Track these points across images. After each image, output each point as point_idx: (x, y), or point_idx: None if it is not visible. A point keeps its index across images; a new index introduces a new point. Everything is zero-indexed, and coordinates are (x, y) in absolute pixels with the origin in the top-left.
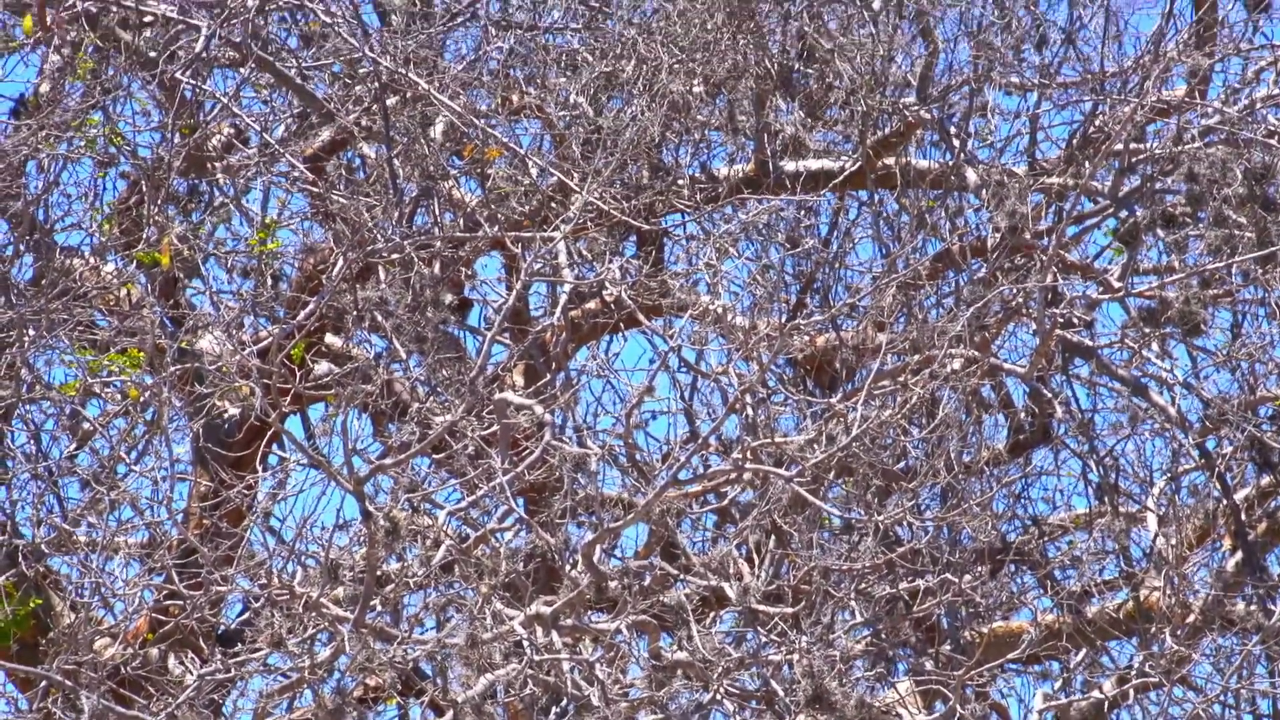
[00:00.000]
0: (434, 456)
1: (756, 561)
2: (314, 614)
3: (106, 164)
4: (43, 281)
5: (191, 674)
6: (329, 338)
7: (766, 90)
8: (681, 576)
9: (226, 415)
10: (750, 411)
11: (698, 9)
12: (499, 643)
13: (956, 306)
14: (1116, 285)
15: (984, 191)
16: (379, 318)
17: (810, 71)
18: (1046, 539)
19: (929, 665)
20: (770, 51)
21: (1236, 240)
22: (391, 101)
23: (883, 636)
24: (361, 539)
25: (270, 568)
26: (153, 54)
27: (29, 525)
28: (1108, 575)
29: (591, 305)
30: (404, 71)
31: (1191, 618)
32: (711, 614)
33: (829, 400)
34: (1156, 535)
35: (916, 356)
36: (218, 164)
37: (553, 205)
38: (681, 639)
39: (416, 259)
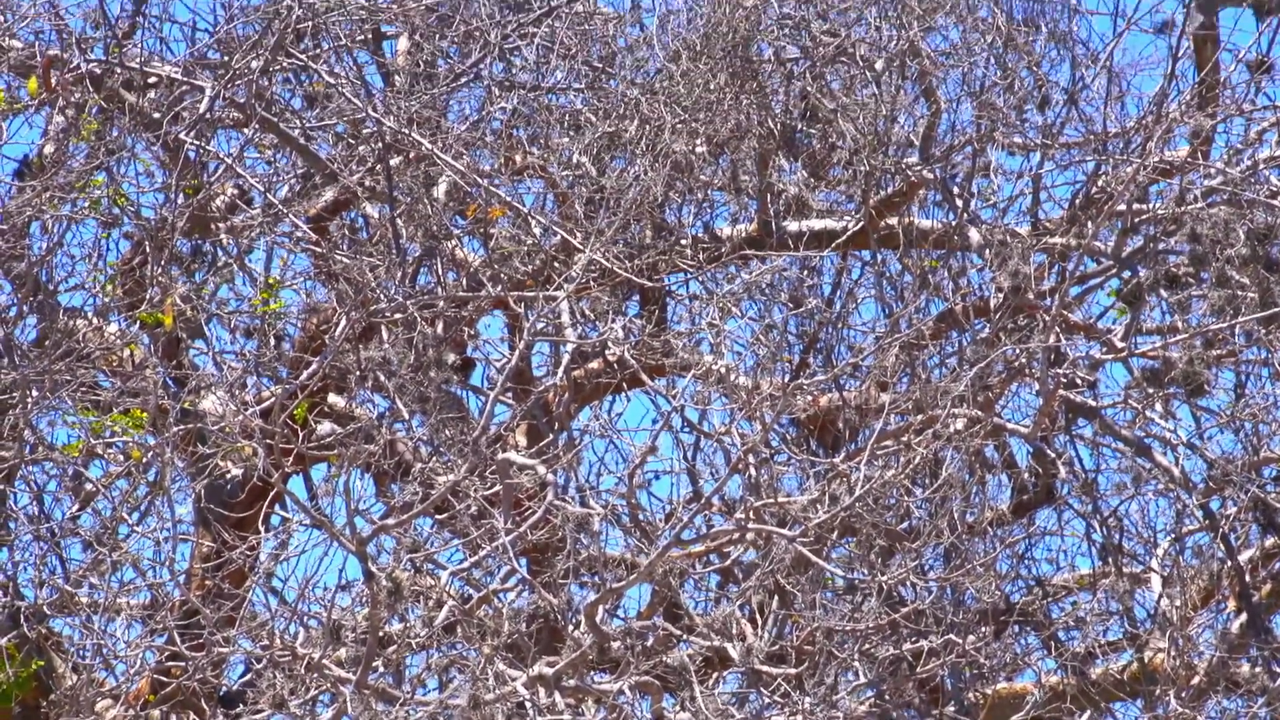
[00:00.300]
0: (437, 517)
1: (759, 622)
2: (316, 675)
3: (110, 225)
4: (46, 342)
5: None
6: (332, 398)
7: (769, 150)
8: (684, 637)
9: (229, 476)
10: (753, 471)
11: (701, 69)
12: (502, 704)
13: (959, 366)
14: (1120, 345)
15: (987, 251)
16: (382, 378)
17: (813, 131)
18: (1050, 600)
19: None
20: (773, 112)
21: (1239, 301)
22: (395, 161)
23: (886, 698)
24: (364, 600)
25: (272, 629)
26: (157, 115)
27: (31, 587)
28: (1112, 636)
29: (594, 365)
30: (407, 131)
31: (1196, 680)
32: (714, 675)
33: (832, 460)
34: (1161, 596)
35: (919, 416)
36: (221, 224)
37: (556, 265)
38: (684, 700)
39: (419, 319)
